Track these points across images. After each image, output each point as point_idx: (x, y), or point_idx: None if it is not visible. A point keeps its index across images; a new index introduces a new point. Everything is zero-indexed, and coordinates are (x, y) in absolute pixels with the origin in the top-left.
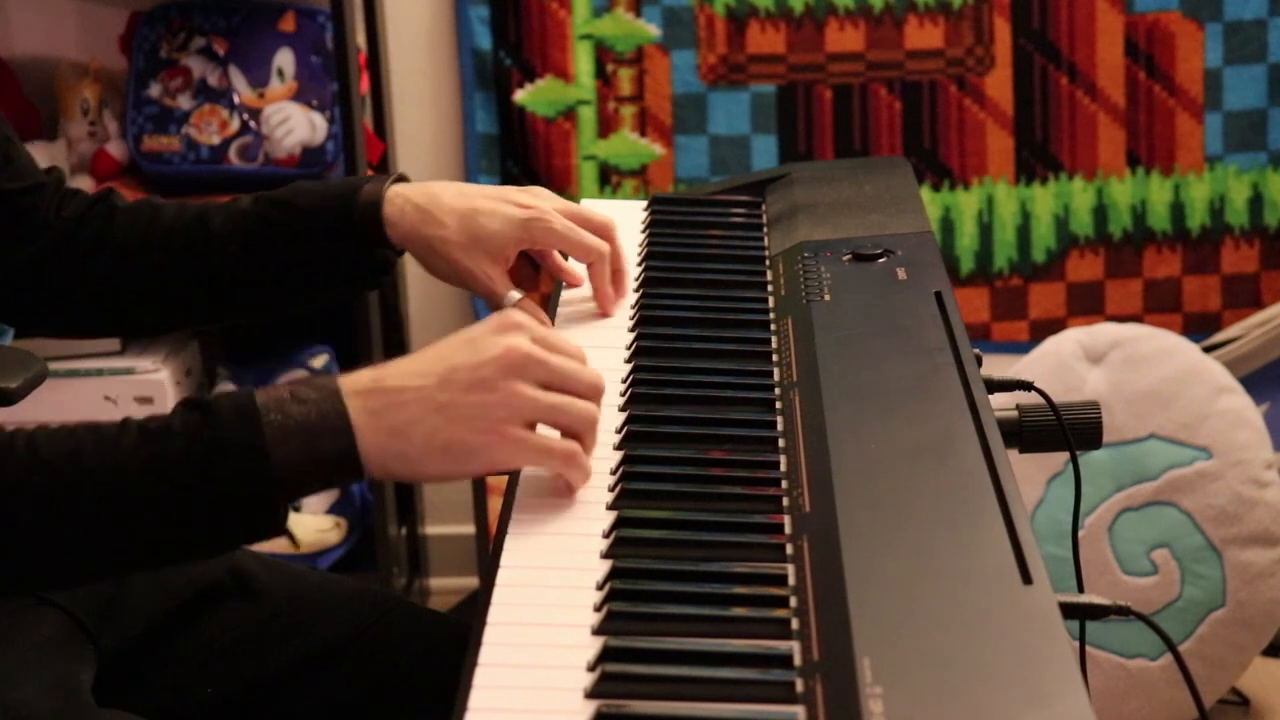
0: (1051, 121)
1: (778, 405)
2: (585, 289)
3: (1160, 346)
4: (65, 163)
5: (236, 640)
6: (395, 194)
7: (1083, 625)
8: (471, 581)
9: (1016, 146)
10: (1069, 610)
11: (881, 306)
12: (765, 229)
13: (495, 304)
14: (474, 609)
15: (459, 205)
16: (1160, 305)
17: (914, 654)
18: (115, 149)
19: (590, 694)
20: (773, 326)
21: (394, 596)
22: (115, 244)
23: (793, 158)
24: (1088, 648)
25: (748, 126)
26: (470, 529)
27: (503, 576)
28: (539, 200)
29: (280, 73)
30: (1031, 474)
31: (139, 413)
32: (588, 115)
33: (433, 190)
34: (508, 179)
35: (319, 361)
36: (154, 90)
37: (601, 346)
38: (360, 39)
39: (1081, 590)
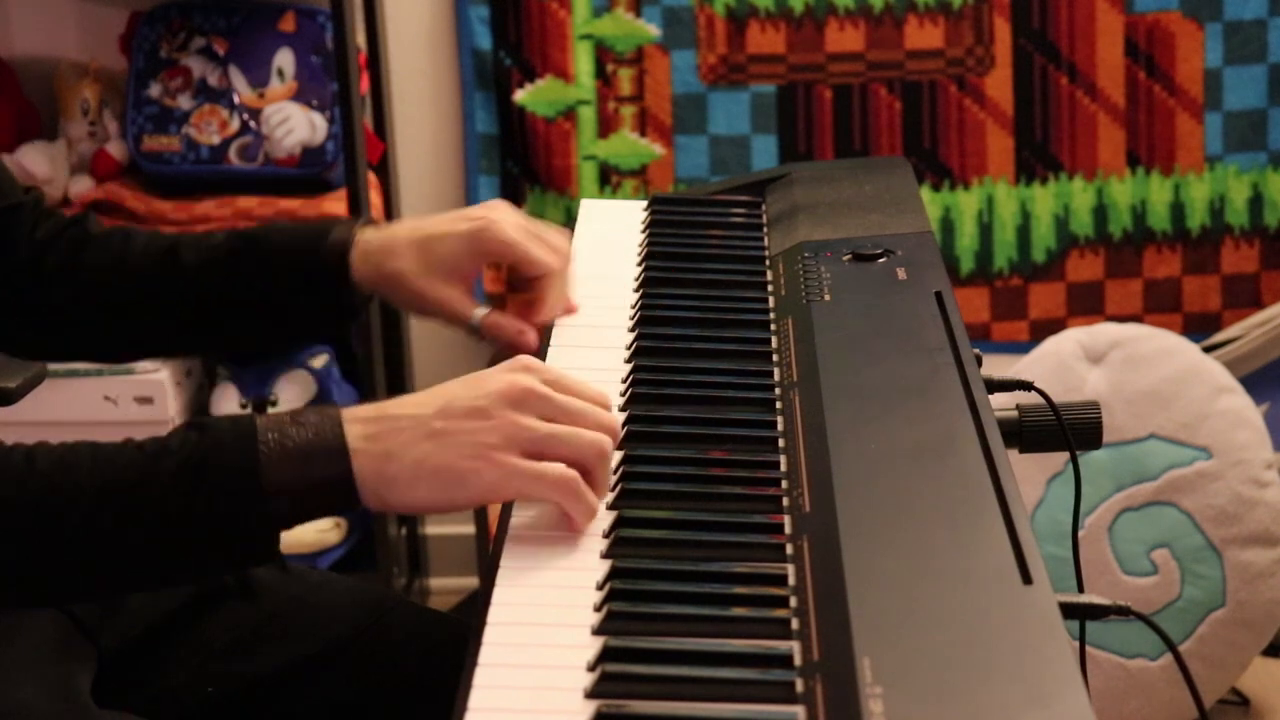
0: (1051, 121)
1: (778, 405)
2: (585, 293)
3: (1160, 346)
4: (65, 163)
5: (236, 640)
6: (360, 237)
7: (1083, 625)
8: (471, 581)
9: (1016, 146)
10: (1069, 610)
11: (881, 306)
12: (765, 229)
13: (461, 324)
14: (474, 609)
15: (415, 236)
16: (1160, 305)
17: (914, 654)
18: (115, 149)
19: (590, 694)
20: (773, 326)
21: (394, 596)
22: (84, 269)
23: (793, 158)
24: (1088, 648)
25: (748, 126)
26: (470, 529)
27: (502, 577)
28: (491, 211)
29: (280, 73)
30: (1031, 474)
31: (139, 412)
32: (588, 115)
33: (392, 228)
34: (508, 179)
35: (319, 361)
36: (154, 90)
37: (601, 347)
38: (360, 39)
39: (1081, 590)
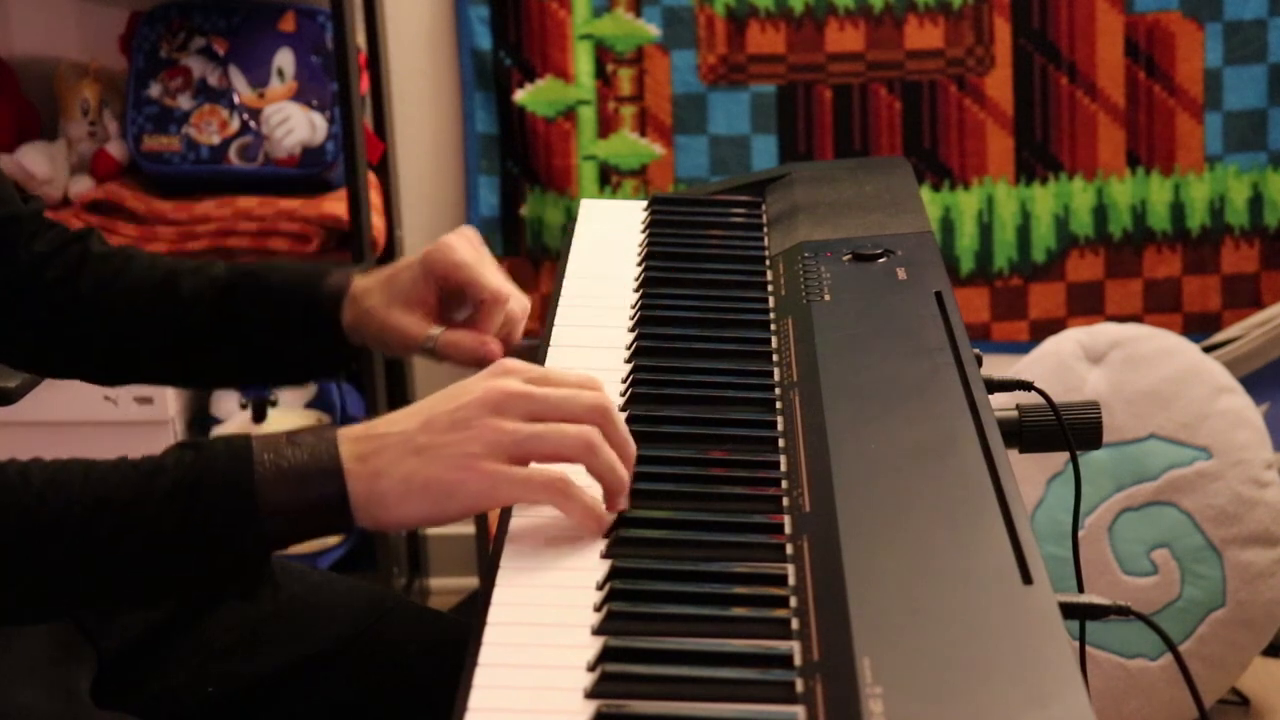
0: (1051, 121)
1: (778, 405)
2: (585, 293)
3: (1160, 346)
4: (65, 163)
5: (236, 640)
6: (354, 284)
7: (1083, 625)
8: (471, 581)
9: (1016, 146)
10: (1069, 610)
11: (881, 306)
12: (765, 229)
13: (416, 348)
14: (474, 609)
15: (386, 273)
16: (1160, 305)
17: (914, 654)
18: (115, 149)
19: (590, 694)
20: (773, 326)
21: (394, 596)
22: (80, 289)
23: (793, 158)
24: (1088, 648)
25: (748, 126)
26: (470, 529)
27: (502, 577)
28: (449, 236)
29: (280, 73)
30: (1031, 474)
31: (138, 412)
32: (588, 115)
33: (378, 270)
34: (508, 179)
35: None
36: (154, 90)
37: (601, 347)
38: (360, 39)
39: (1081, 590)
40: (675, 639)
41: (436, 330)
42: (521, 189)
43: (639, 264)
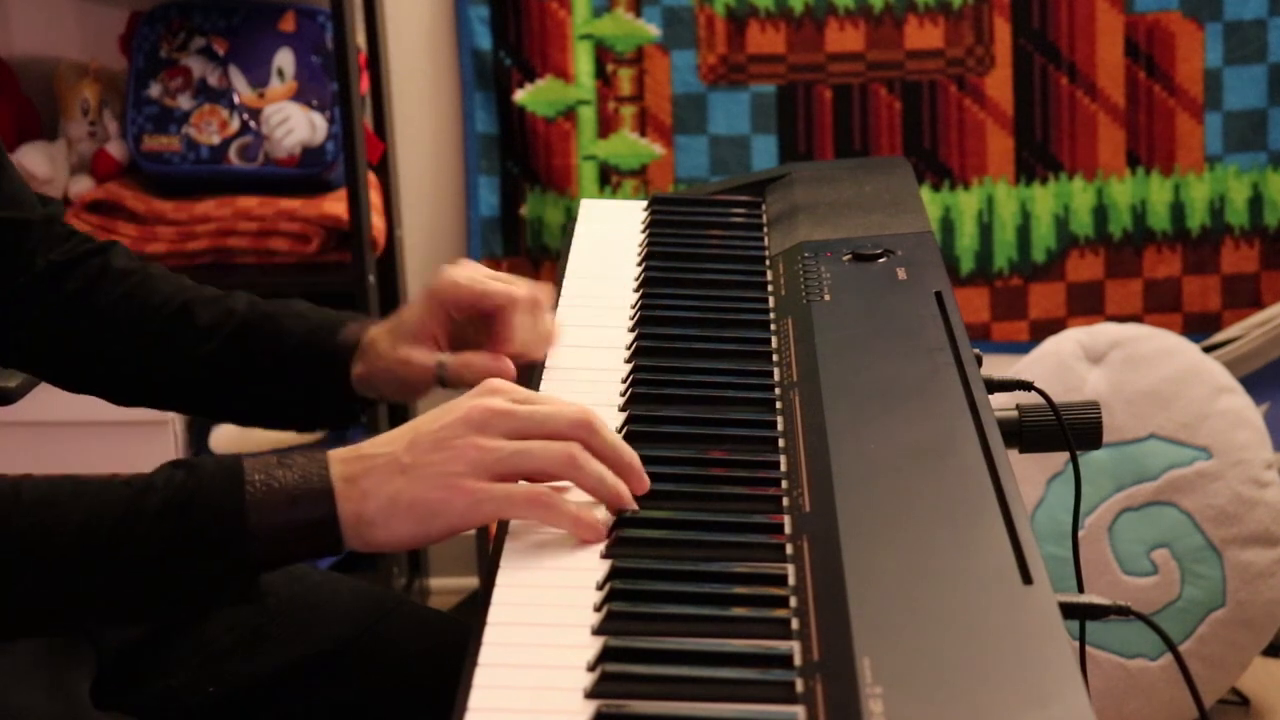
0: (1051, 121)
1: (778, 405)
2: (585, 293)
3: (1160, 346)
4: (65, 163)
5: (236, 640)
6: (367, 335)
7: (1083, 625)
8: (471, 581)
9: (1016, 146)
10: (1069, 610)
11: (881, 306)
12: (765, 229)
13: (429, 379)
14: (474, 609)
15: (394, 317)
16: (1160, 305)
17: (914, 654)
18: (115, 149)
19: (590, 694)
20: (773, 326)
21: (394, 596)
22: (97, 304)
23: (793, 158)
24: (1088, 648)
25: (748, 126)
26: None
27: (503, 577)
28: (450, 266)
29: (280, 73)
30: (1031, 474)
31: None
32: (588, 115)
33: (389, 317)
34: (508, 179)
35: None
36: (154, 90)
37: (602, 347)
38: (360, 39)
39: (1081, 590)
40: (675, 639)
41: (446, 356)
42: (521, 189)
43: (639, 264)
